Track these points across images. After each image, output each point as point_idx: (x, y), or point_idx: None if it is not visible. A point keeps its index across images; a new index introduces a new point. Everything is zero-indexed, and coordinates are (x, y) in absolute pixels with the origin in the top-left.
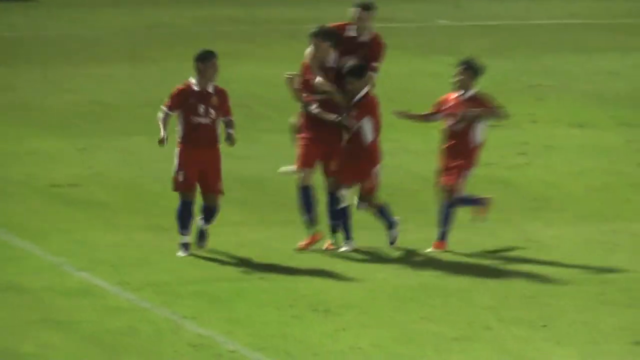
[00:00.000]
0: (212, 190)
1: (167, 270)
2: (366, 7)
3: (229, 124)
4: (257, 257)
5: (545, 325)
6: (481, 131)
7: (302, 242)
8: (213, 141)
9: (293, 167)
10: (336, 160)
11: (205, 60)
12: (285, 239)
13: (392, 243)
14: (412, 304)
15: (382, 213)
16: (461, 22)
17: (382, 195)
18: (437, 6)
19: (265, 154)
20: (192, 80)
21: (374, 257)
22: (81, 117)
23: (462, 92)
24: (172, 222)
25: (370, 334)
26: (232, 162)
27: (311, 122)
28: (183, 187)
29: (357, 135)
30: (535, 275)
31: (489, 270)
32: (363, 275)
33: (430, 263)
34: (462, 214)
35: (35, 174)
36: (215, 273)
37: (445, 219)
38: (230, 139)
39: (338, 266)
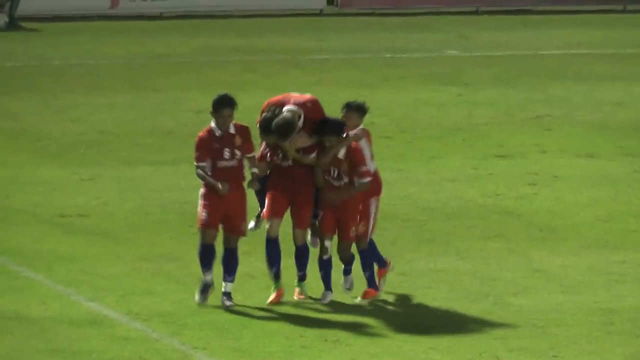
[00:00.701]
0: (235, 231)
1: (174, 300)
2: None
3: (251, 161)
4: (265, 287)
5: (554, 356)
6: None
7: (271, 298)
8: (239, 183)
9: (251, 224)
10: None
11: (216, 110)
12: (293, 269)
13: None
14: (421, 334)
15: (348, 265)
16: (469, 53)
17: (390, 226)
18: (445, 36)
19: None
20: (213, 125)
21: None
22: (85, 146)
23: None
24: (177, 252)
25: None
26: None
27: (277, 172)
28: (206, 224)
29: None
30: (543, 305)
31: (497, 300)
32: (372, 306)
33: (438, 293)
34: (464, 242)
35: (41, 204)
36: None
37: (369, 265)
38: (252, 184)
39: (347, 297)
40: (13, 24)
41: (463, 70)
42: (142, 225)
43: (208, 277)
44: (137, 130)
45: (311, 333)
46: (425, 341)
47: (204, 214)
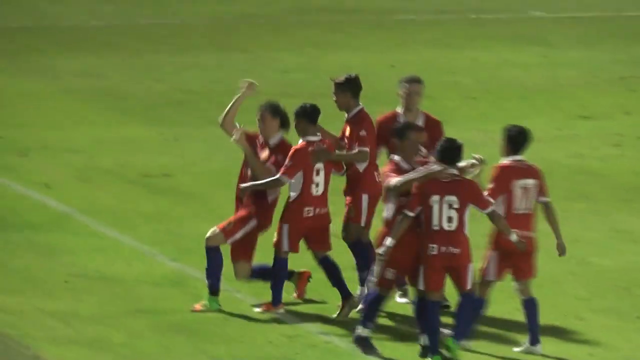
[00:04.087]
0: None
1: (260, 260)
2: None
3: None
4: (348, 250)
5: (638, 317)
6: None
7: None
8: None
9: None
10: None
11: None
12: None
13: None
14: (504, 294)
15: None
16: (554, 14)
17: None
18: None
19: None
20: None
21: None
22: (169, 105)
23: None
24: None
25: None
26: None
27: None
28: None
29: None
30: (627, 266)
31: (580, 261)
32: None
33: None
34: None
35: (126, 163)
36: (308, 264)
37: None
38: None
39: None
40: None
41: (548, 31)
42: (227, 185)
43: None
44: (222, 90)
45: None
46: (509, 302)
47: (389, 273)
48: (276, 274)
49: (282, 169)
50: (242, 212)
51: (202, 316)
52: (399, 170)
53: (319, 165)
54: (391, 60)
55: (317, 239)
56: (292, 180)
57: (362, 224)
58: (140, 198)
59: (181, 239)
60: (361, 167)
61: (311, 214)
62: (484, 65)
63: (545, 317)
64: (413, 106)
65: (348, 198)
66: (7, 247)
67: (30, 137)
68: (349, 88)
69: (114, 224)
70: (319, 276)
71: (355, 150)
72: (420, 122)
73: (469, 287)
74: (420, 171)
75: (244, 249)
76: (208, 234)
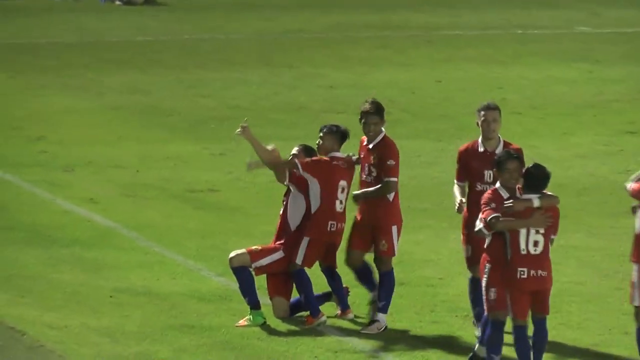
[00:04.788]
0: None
1: None
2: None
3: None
4: (394, 261)
5: None
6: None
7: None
8: None
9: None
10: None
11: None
12: (421, 244)
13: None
14: (551, 309)
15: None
16: (599, 29)
17: None
18: (575, 13)
19: (402, 159)
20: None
21: None
22: (216, 121)
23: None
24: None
25: (508, 339)
26: None
27: None
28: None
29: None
30: None
31: (627, 277)
32: None
33: (568, 269)
34: None
35: (172, 179)
36: (352, 279)
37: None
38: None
39: None
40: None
41: (593, 47)
42: (273, 200)
43: None
44: (269, 105)
45: (441, 308)
46: (555, 317)
47: (492, 294)
48: (301, 287)
49: (301, 162)
50: (272, 244)
51: (247, 331)
52: (497, 198)
53: (344, 184)
54: (437, 76)
55: (330, 254)
56: (305, 174)
57: (395, 254)
58: (185, 213)
59: (226, 254)
60: (391, 196)
61: (334, 229)
62: (529, 81)
63: (591, 332)
64: (490, 133)
65: (376, 228)
66: (53, 262)
67: (76, 153)
68: (383, 114)
69: (159, 240)
70: (362, 291)
71: (384, 182)
72: (499, 149)
73: (548, 311)
74: (521, 223)
75: (279, 285)
76: (232, 255)
